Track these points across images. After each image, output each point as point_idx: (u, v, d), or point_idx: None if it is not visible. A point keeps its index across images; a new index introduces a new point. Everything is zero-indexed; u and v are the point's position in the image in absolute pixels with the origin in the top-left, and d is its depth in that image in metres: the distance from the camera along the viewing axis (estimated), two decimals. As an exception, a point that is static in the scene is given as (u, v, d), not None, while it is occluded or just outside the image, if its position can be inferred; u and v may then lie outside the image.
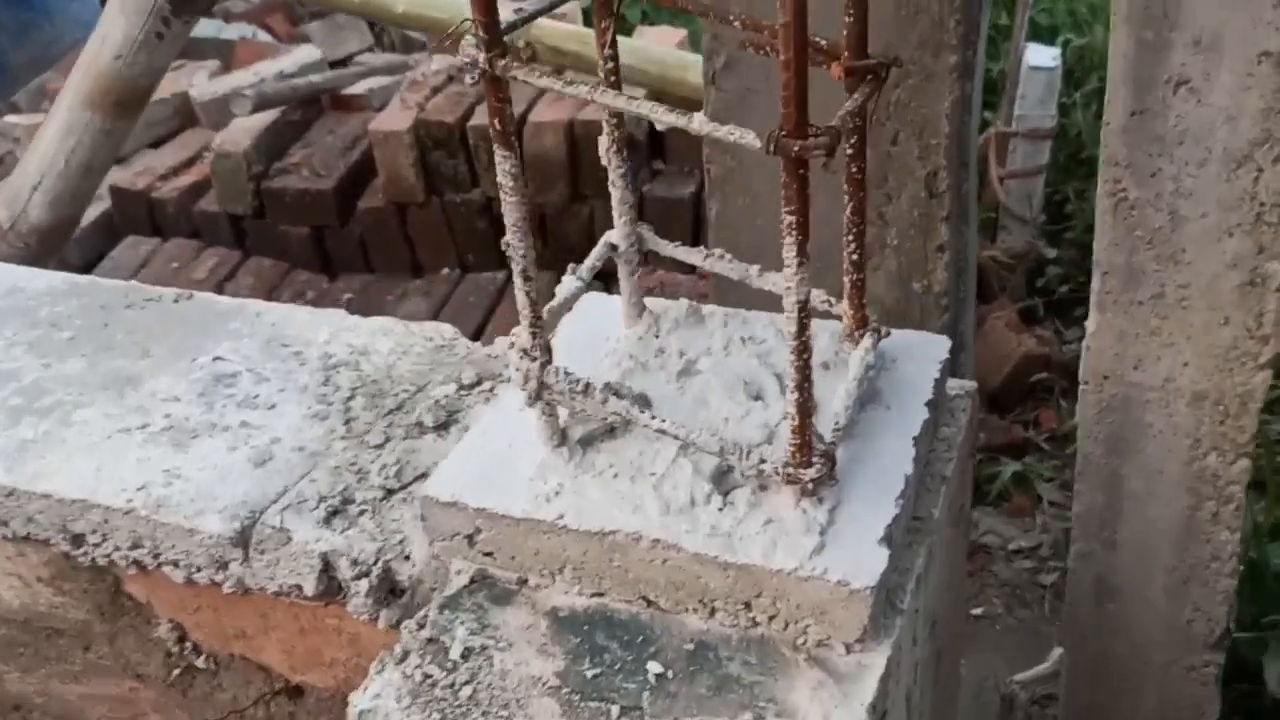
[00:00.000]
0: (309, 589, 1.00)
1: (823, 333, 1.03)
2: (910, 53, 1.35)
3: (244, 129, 3.17)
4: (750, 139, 0.72)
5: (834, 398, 0.93)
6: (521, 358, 0.89)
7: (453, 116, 2.94)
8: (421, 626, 0.90)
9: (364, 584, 0.98)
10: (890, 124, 1.39)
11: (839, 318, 1.02)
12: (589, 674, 0.84)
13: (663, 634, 0.87)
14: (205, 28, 3.67)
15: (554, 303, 0.96)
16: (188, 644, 1.12)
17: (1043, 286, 3.28)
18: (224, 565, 1.03)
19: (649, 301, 1.10)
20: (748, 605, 0.85)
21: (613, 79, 0.92)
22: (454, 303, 2.92)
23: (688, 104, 2.66)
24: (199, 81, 3.58)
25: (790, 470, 0.85)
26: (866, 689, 0.82)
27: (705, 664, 0.84)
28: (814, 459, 0.85)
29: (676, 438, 0.87)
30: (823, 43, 0.87)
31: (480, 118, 2.92)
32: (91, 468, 1.09)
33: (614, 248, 1.05)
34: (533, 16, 0.84)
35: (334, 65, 3.72)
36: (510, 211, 0.83)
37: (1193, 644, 1.16)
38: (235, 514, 1.03)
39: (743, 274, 1.04)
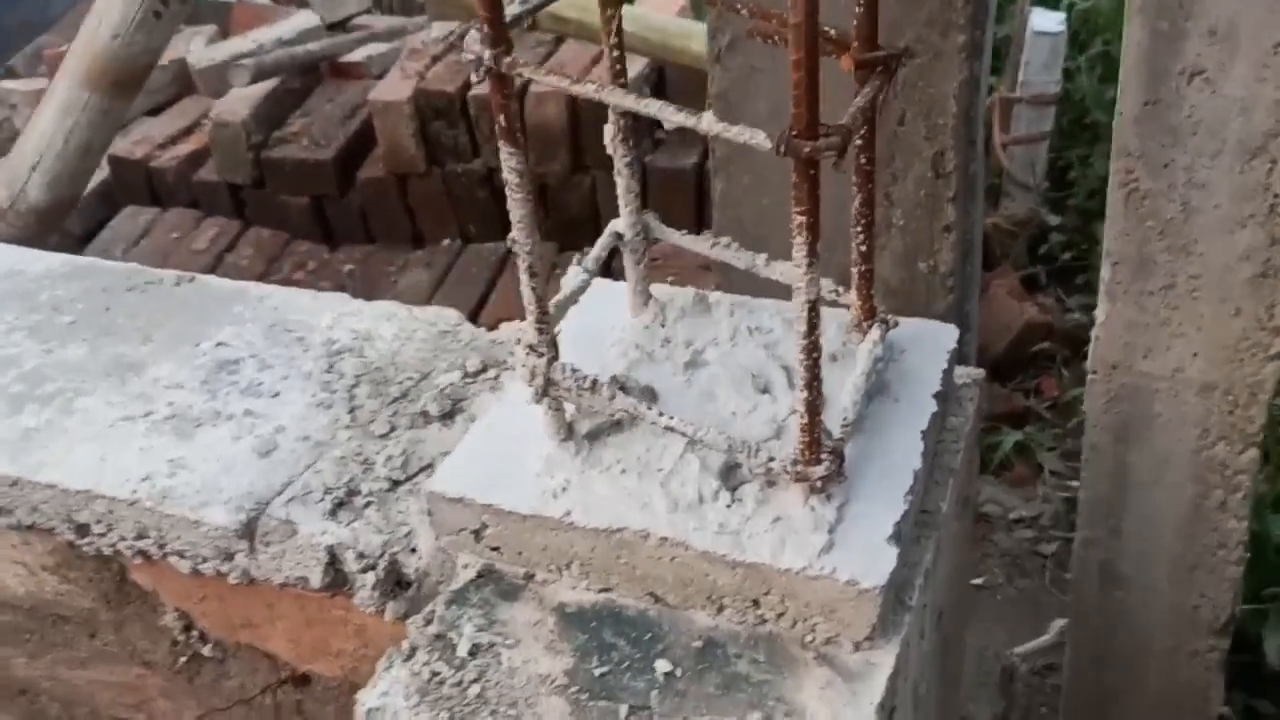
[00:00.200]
0: (315, 582, 1.00)
1: (830, 322, 1.02)
2: (918, 31, 1.33)
3: (242, 98, 3.14)
4: (760, 139, 0.71)
5: (842, 391, 0.92)
6: (528, 354, 0.89)
7: (453, 86, 2.91)
8: (429, 622, 0.90)
9: (370, 577, 0.98)
10: (897, 103, 1.38)
11: (846, 307, 1.02)
12: (597, 672, 0.84)
13: (670, 631, 0.87)
14: (202, -8, 3.63)
15: (559, 296, 0.95)
16: (194, 632, 1.12)
17: (1045, 254, 3.27)
18: (229, 557, 1.03)
19: (655, 289, 1.09)
20: (756, 603, 0.85)
21: (619, 72, 0.91)
22: (455, 273, 2.91)
23: (690, 72, 2.64)
24: (196, 48, 3.54)
25: (799, 469, 0.84)
26: (875, 687, 0.82)
27: (714, 662, 0.84)
28: (822, 456, 0.85)
29: (684, 435, 0.87)
30: (832, 32, 0.86)
31: (482, 87, 2.90)
32: (95, 457, 1.08)
33: (620, 237, 1.04)
34: (536, 8, 0.82)
35: (332, 28, 3.68)
36: (516, 208, 0.82)
37: (1198, 629, 1.16)
38: (240, 505, 1.02)
39: (750, 263, 1.03)
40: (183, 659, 1.14)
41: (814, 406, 0.82)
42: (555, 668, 0.85)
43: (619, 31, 0.92)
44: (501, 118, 0.78)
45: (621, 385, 0.96)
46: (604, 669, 0.84)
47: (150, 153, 3.24)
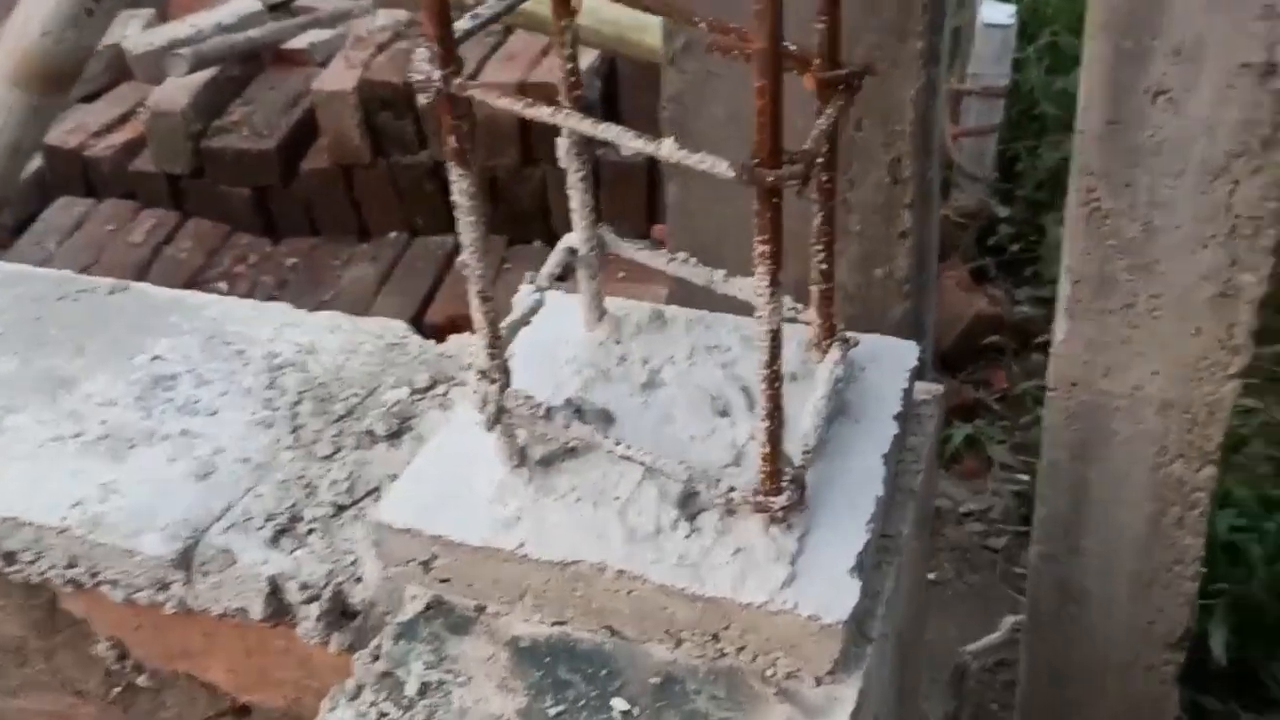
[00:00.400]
0: (256, 613, 0.96)
1: (789, 339, 0.99)
2: (876, 38, 1.31)
3: (181, 85, 3.06)
4: (723, 169, 0.68)
5: (802, 413, 0.90)
6: (479, 379, 0.85)
7: (399, 76, 2.85)
8: (376, 658, 0.87)
9: (314, 608, 0.94)
10: (854, 110, 1.36)
11: (806, 323, 0.99)
12: (551, 712, 0.81)
13: (628, 666, 0.84)
14: (138, -26, 3.52)
15: (512, 317, 0.92)
16: (128, 662, 1.08)
17: (994, 245, 3.28)
18: (165, 586, 0.99)
19: (610, 303, 1.06)
20: (716, 637, 0.83)
21: (574, 84, 0.87)
22: (402, 267, 2.85)
23: (645, 66, 2.60)
24: (133, 33, 3.44)
25: (760, 499, 0.82)
26: (837, 724, 0.80)
27: (672, 699, 0.82)
28: (784, 484, 0.82)
29: (643, 464, 0.84)
30: (793, 48, 0.83)
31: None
32: (24, 481, 1.04)
33: (573, 252, 1.00)
34: (486, 23, 0.78)
35: (273, 9, 3.59)
36: (466, 231, 0.79)
37: (1154, 644, 1.16)
38: (176, 534, 0.98)
39: (707, 279, 1.00)
40: (117, 689, 1.10)
41: (775, 436, 0.79)
42: (508, 707, 0.82)
43: (573, 43, 0.89)
44: (452, 140, 0.74)
45: (577, 409, 0.93)
46: (559, 708, 0.82)
47: (85, 141, 3.15)
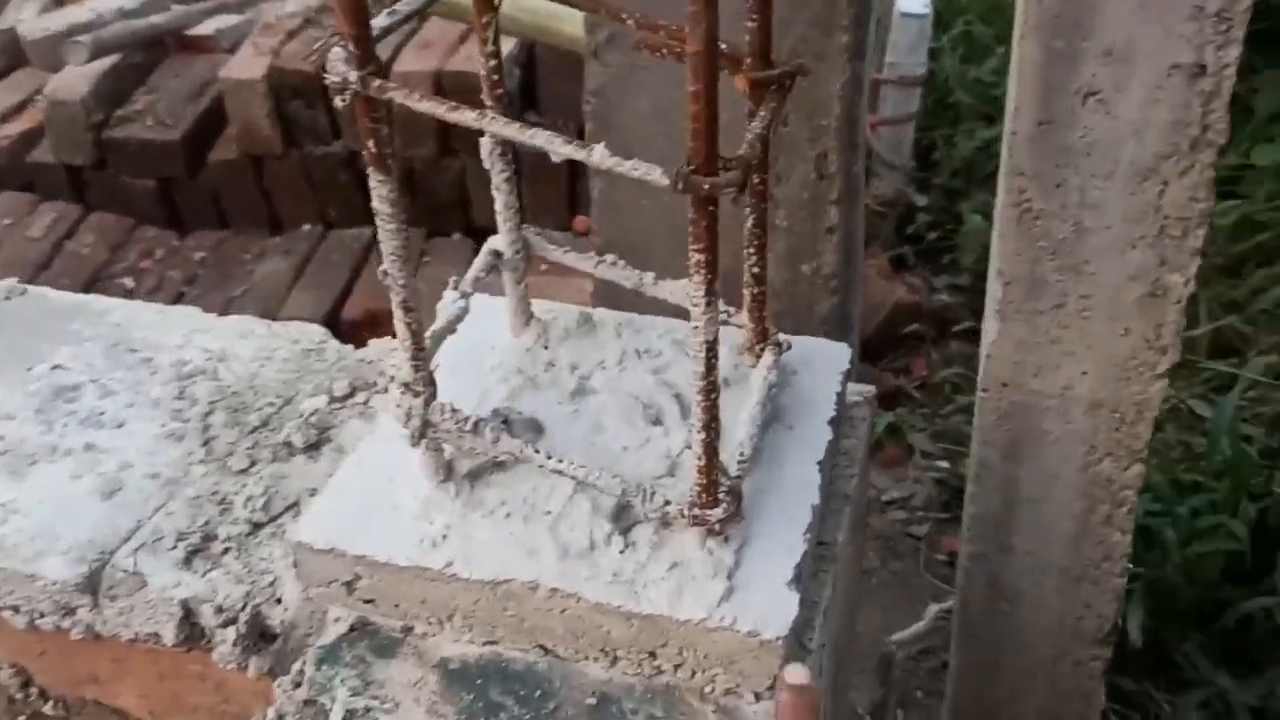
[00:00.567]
0: (168, 638, 0.91)
1: (720, 343, 0.98)
2: (802, 31, 1.30)
3: (81, 73, 2.93)
4: (656, 175, 0.65)
5: (736, 422, 0.88)
6: (403, 393, 0.82)
7: (311, 64, 2.76)
8: (298, 685, 0.83)
9: (230, 632, 0.90)
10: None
11: (738, 326, 0.97)
12: (484, 737, 0.79)
13: (562, 686, 0.82)
14: (32, -44, 3.37)
15: (436, 326, 0.88)
16: (33, 689, 1.02)
17: (912, 234, 3.31)
18: (70, 612, 0.93)
19: (537, 307, 1.03)
20: (653, 654, 0.81)
21: (496, 83, 0.84)
22: (317, 261, 2.77)
23: (565, 54, 2.56)
24: (28, 17, 3.29)
25: (697, 512, 0.80)
26: (777, 740, 0.78)
27: (609, 718, 0.80)
28: (720, 496, 0.80)
29: (575, 479, 0.81)
30: (723, 46, 0.80)
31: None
32: (-87, 502, 0.97)
33: (498, 255, 0.97)
34: (404, 20, 0.75)
35: (178, -5, 3.47)
36: (388, 239, 0.75)
37: (1082, 640, 1.17)
38: (82, 556, 0.93)
39: (637, 283, 0.98)
40: (21, 717, 1.04)
41: (712, 448, 0.77)
42: (439, 734, 0.79)
43: (495, 39, 0.85)
44: (371, 143, 0.70)
45: (504, 419, 0.90)
46: (492, 733, 0.79)
47: (-22, 131, 3.01)
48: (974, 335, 3.10)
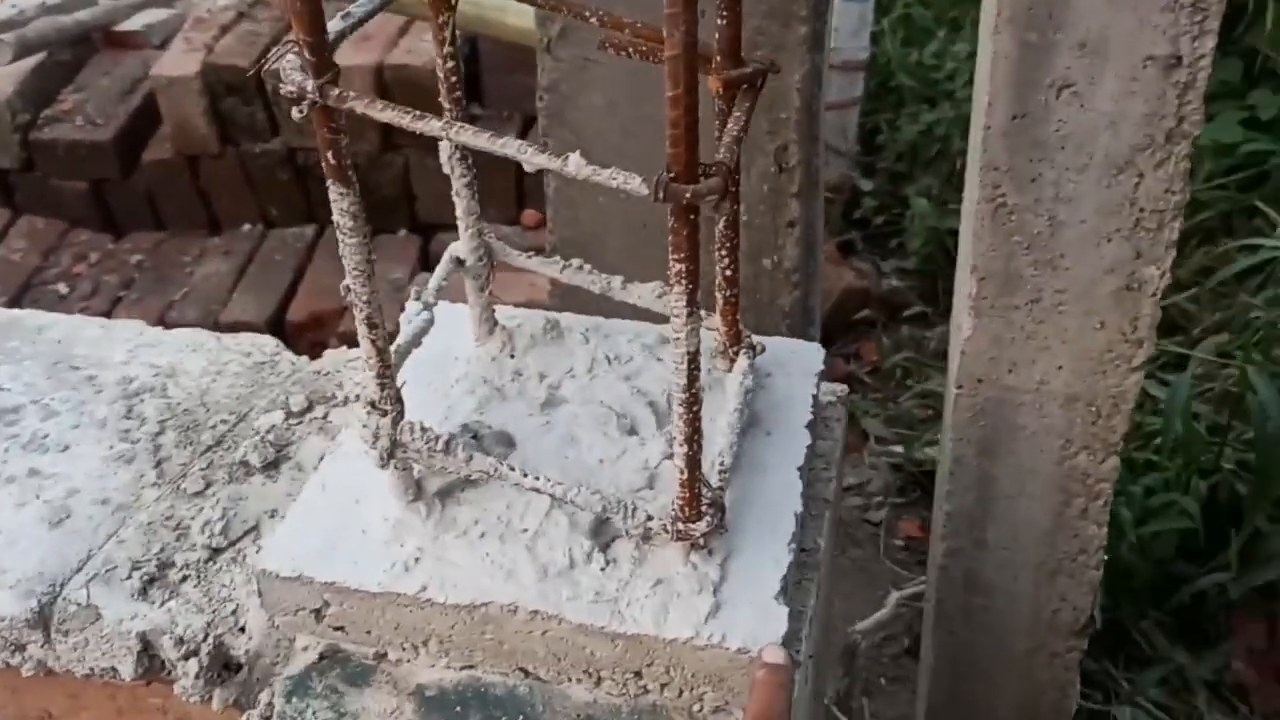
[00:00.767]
0: (126, 673, 0.87)
1: (693, 348, 0.95)
2: (759, 23, 1.27)
3: (5, 73, 2.83)
4: (636, 185, 0.62)
5: (714, 430, 0.86)
6: (370, 412, 0.78)
7: (246, 59, 2.69)
8: (267, 718, 0.80)
9: (193, 664, 0.86)
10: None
11: (710, 329, 0.95)
12: (466, 768, 0.76)
13: (545, 710, 0.79)
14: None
15: (401, 340, 0.85)
16: (-18, 729, 0.98)
17: (859, 218, 3.31)
18: (20, 648, 0.89)
19: (501, 314, 1.00)
20: (638, 674, 0.78)
21: (454, 85, 0.81)
22: (259, 261, 2.71)
23: (508, 46, 2.52)
24: (-55, 14, 3.17)
25: (680, 527, 0.77)
26: (769, 758, 0.76)
27: (594, 742, 0.77)
28: (703, 509, 0.78)
29: (553, 496, 0.78)
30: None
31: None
32: None
33: (460, 262, 0.94)
34: (360, 22, 0.71)
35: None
36: (350, 254, 0.72)
37: (1058, 632, 1.16)
38: (30, 590, 0.88)
39: (604, 288, 0.95)
40: (-30, 758, 0.99)
41: (694, 461, 0.75)
42: (418, 766, 0.76)
43: (453, 41, 0.82)
44: (330, 155, 0.67)
45: (475, 434, 0.87)
46: (474, 763, 0.76)
47: (-103, 134, 2.89)
48: (923, 320, 3.11)
